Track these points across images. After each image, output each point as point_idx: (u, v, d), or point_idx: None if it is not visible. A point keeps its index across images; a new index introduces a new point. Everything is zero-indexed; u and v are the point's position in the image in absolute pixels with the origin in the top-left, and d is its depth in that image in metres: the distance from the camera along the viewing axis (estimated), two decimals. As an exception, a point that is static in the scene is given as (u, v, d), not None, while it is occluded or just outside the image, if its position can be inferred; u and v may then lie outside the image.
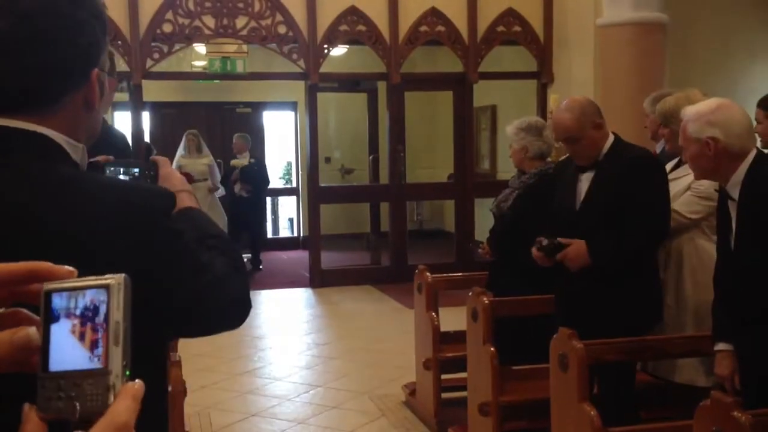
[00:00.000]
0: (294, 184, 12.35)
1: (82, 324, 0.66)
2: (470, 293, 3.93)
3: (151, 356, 1.15)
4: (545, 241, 3.31)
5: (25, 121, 1.14)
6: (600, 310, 3.24)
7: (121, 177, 1.46)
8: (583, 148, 3.29)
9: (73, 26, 1.16)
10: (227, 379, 5.52)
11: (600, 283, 3.24)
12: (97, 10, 1.21)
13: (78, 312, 0.66)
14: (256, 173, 9.71)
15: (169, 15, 7.91)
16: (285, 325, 7.19)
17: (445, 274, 4.99)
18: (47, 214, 1.08)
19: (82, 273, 0.76)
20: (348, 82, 10.77)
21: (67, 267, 0.72)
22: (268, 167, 10.36)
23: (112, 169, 1.45)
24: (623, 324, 3.17)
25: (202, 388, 5.27)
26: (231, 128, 10.90)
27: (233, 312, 1.29)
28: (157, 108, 11.09)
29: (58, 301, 0.67)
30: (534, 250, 3.39)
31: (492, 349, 3.73)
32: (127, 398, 0.66)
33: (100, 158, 1.49)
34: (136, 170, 1.47)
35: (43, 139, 1.14)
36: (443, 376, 4.53)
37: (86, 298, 0.67)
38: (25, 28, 1.13)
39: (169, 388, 2.74)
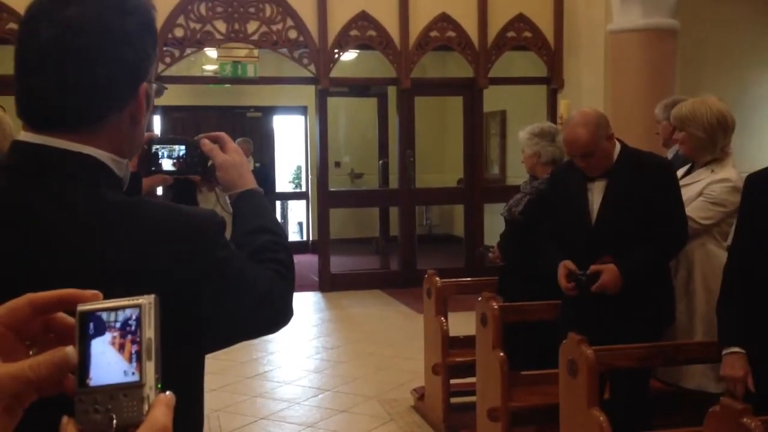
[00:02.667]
0: (304, 189, 12.38)
1: (122, 336, 0.70)
2: (479, 298, 3.93)
3: (192, 370, 1.18)
4: (582, 276, 3.20)
5: (69, 139, 1.10)
6: (611, 315, 3.24)
7: (168, 157, 1.42)
8: (597, 160, 3.26)
9: (121, 40, 1.10)
10: (237, 382, 5.54)
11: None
12: (147, 19, 1.15)
13: (117, 326, 0.70)
14: (261, 178, 9.72)
15: (181, 20, 7.96)
16: (294, 328, 7.19)
17: (454, 279, 4.99)
18: (99, 248, 1.06)
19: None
20: (358, 87, 10.80)
21: (92, 291, 0.74)
22: (275, 172, 10.34)
23: (159, 146, 1.42)
24: (634, 330, 3.17)
25: (212, 391, 5.28)
26: (241, 132, 10.92)
27: (273, 323, 1.31)
28: (168, 112, 11.15)
29: (96, 318, 0.70)
30: (564, 283, 3.30)
31: (501, 354, 3.73)
32: (161, 406, 0.69)
33: (145, 135, 1.44)
34: (183, 147, 1.43)
35: (87, 159, 1.10)
36: (452, 381, 4.53)
37: (121, 317, 0.71)
38: (70, 41, 1.08)
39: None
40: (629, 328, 3.18)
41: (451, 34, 8.51)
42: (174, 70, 8.51)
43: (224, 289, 1.17)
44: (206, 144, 1.44)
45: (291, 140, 12.50)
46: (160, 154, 1.43)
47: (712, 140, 3.29)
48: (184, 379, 1.17)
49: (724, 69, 8.23)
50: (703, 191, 3.30)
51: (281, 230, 1.42)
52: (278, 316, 1.31)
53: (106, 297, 1.00)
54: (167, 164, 1.44)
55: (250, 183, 1.43)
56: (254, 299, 1.24)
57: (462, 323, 4.95)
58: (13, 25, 7.61)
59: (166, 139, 1.45)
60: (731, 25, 8.29)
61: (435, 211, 12.27)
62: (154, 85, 1.23)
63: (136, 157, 1.42)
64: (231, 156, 1.43)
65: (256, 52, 8.25)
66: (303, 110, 11.82)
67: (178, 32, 7.97)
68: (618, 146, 3.34)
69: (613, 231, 3.23)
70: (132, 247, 1.08)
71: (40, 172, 1.09)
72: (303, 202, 12.35)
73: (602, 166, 3.28)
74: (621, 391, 3.00)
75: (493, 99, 9.52)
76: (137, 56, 1.13)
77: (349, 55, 9.36)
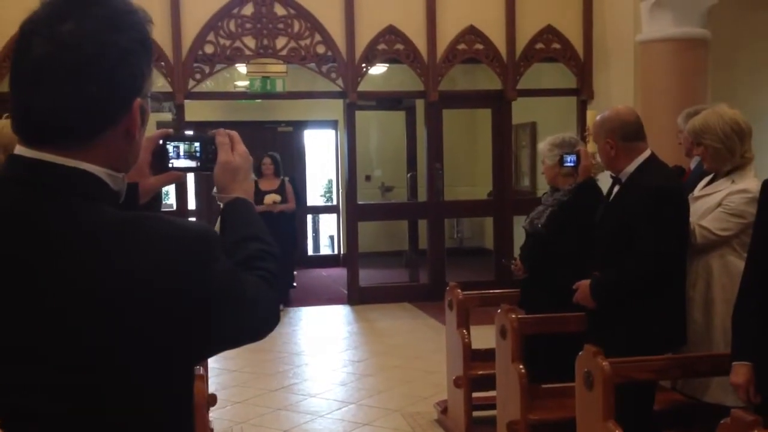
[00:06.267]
0: (335, 202, 12.43)
1: None
2: (499, 310, 3.91)
3: (182, 380, 1.19)
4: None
5: (64, 155, 1.11)
6: (619, 328, 3.21)
7: (182, 155, 1.43)
8: (600, 151, 3.39)
9: (115, 56, 1.11)
10: (262, 394, 5.56)
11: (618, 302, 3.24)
12: (142, 35, 1.16)
13: None
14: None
15: (211, 36, 8.08)
16: (322, 341, 7.22)
17: (476, 291, 4.97)
18: (98, 262, 1.07)
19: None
20: (387, 100, 10.83)
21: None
22: (305, 185, 10.36)
23: (173, 144, 1.43)
24: (641, 343, 3.13)
25: (236, 403, 5.32)
26: (273, 147, 10.98)
27: (260, 332, 1.32)
28: (200, 127, 11.28)
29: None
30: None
31: (520, 367, 3.70)
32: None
33: (158, 132, 1.46)
34: (197, 144, 1.44)
35: (82, 175, 1.12)
36: (475, 394, 4.50)
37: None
38: (64, 58, 1.09)
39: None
40: (635, 341, 3.15)
41: (478, 46, 8.51)
42: (208, 86, 8.65)
43: (220, 303, 1.18)
44: (221, 135, 1.44)
45: (322, 154, 12.58)
46: (173, 151, 1.44)
47: (729, 149, 3.25)
48: (175, 388, 1.19)
49: (758, 80, 8.09)
50: (722, 202, 3.25)
51: (270, 239, 1.43)
52: (265, 324, 1.33)
53: (106, 310, 1.07)
54: (181, 161, 1.45)
55: (242, 191, 1.44)
56: (246, 310, 1.25)
57: (486, 336, 4.91)
58: None
59: (181, 136, 1.45)
60: (765, 33, 8.15)
61: (466, 223, 12.23)
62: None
63: (147, 151, 1.44)
64: (235, 158, 1.44)
65: (284, 67, 8.33)
66: (334, 124, 11.89)
67: (208, 49, 8.09)
68: (642, 157, 3.32)
69: (604, 243, 3.27)
70: (129, 263, 1.09)
71: (38, 187, 1.11)
72: (334, 216, 12.40)
73: (606, 165, 3.43)
74: (624, 405, 2.95)
75: (523, 111, 9.48)
76: (131, 73, 1.14)
77: (379, 69, 9.40)
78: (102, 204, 1.13)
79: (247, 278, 1.28)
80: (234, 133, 1.46)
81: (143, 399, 1.12)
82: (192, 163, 1.44)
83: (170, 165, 1.44)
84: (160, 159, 1.43)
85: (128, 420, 1.12)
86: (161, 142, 1.42)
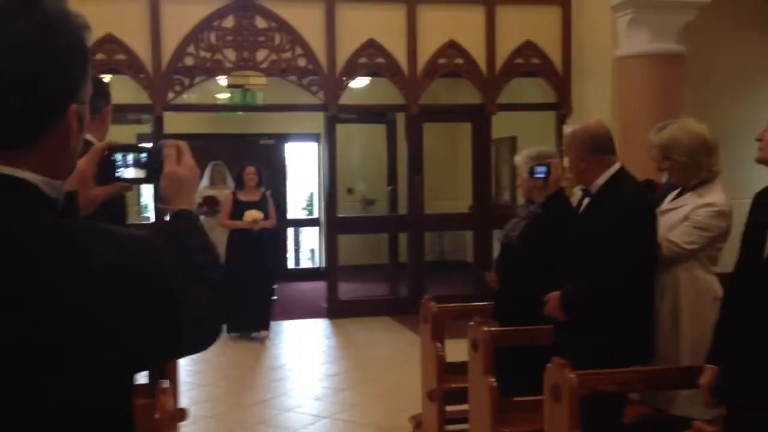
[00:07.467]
0: (316, 215, 12.41)
1: None
2: (471, 323, 3.91)
3: (125, 390, 1.18)
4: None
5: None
6: (588, 341, 3.21)
7: (129, 166, 1.42)
8: (570, 164, 3.39)
9: (49, 61, 1.09)
10: (235, 409, 5.52)
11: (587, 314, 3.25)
12: (76, 39, 1.14)
13: None
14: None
15: (191, 48, 8.07)
16: (299, 355, 7.18)
17: (451, 304, 4.96)
18: (35, 272, 1.06)
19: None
20: (368, 114, 10.84)
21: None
22: (285, 198, 10.14)
23: (119, 155, 1.41)
24: (609, 356, 3.14)
25: (208, 418, 5.28)
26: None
27: (205, 342, 1.32)
28: (181, 139, 11.22)
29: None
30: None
31: (491, 379, 3.69)
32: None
33: (103, 143, 1.44)
34: (144, 154, 1.43)
35: (18, 182, 1.10)
36: (449, 408, 4.48)
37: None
38: None
39: (156, 416, 2.75)
40: (577, 354, 3.15)
41: (459, 61, 8.55)
42: (192, 99, 8.63)
43: (164, 311, 1.17)
44: (168, 146, 1.44)
45: (305, 167, 12.57)
46: (119, 161, 1.42)
47: (696, 163, 3.28)
48: (117, 400, 1.18)
49: (737, 94, 8.15)
50: (689, 215, 3.27)
51: (215, 250, 1.43)
52: (210, 335, 1.32)
53: (37, 316, 1.05)
54: (127, 172, 1.43)
55: (187, 203, 1.44)
56: (192, 320, 1.25)
57: (461, 349, 4.89)
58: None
59: (127, 146, 1.43)
60: (744, 51, 8.24)
61: (447, 237, 12.24)
62: (111, 109, 1.24)
63: (92, 163, 1.43)
64: (181, 169, 1.44)
65: (265, 79, 8.33)
66: (316, 137, 11.89)
67: (188, 61, 8.07)
68: (612, 170, 3.34)
69: (574, 256, 3.27)
70: (63, 270, 1.07)
71: None
72: (315, 229, 12.38)
73: (577, 178, 3.44)
74: (593, 417, 2.95)
75: (503, 125, 9.52)
76: (66, 77, 1.13)
77: (361, 82, 9.41)
78: (38, 212, 1.11)
79: (195, 289, 1.27)
80: (182, 144, 1.46)
81: (82, 413, 1.10)
82: (140, 174, 1.43)
83: (117, 176, 1.42)
84: (106, 170, 1.42)
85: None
86: (107, 153, 1.41)
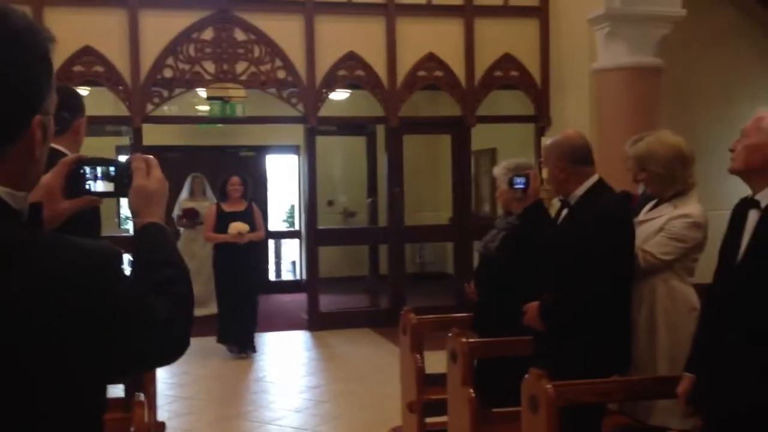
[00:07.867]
0: (297, 227, 12.39)
1: None
2: (449, 334, 3.91)
3: (94, 404, 1.17)
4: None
5: None
6: (566, 351, 3.23)
7: (98, 179, 1.42)
8: (550, 175, 3.41)
9: (12, 74, 1.10)
10: (215, 422, 5.48)
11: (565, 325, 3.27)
12: (40, 50, 1.15)
13: None
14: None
15: (170, 60, 8.05)
16: (280, 368, 7.15)
17: (430, 316, 4.96)
18: None
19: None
20: (348, 126, 10.85)
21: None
22: (263, 211, 10.07)
23: (88, 168, 1.41)
24: (587, 367, 3.15)
25: (189, 431, 5.23)
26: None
27: (172, 355, 1.32)
28: (160, 151, 11.19)
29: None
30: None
31: (470, 390, 3.70)
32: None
33: (71, 157, 1.44)
34: (113, 168, 1.43)
35: None
36: (429, 419, 4.48)
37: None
38: None
39: (132, 429, 2.73)
40: (555, 365, 3.16)
41: (438, 73, 8.59)
42: (172, 111, 8.59)
43: (128, 324, 1.17)
44: (137, 160, 1.44)
45: (285, 179, 12.55)
46: (89, 174, 1.42)
47: (671, 174, 3.32)
48: (87, 412, 1.17)
49: (716, 107, 8.24)
50: (664, 226, 3.30)
51: (183, 264, 1.43)
52: (177, 347, 1.32)
53: (7, 329, 1.04)
54: (96, 185, 1.43)
55: (156, 216, 1.44)
56: (157, 332, 1.25)
57: (441, 360, 4.89)
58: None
59: (96, 160, 1.43)
60: (718, 63, 8.34)
61: (428, 248, 12.25)
62: (85, 120, 1.24)
63: (60, 176, 1.43)
64: (149, 183, 1.44)
65: (244, 92, 8.32)
66: (296, 149, 11.89)
67: (167, 73, 8.05)
68: (591, 181, 3.36)
69: (553, 266, 3.29)
70: (24, 282, 1.07)
71: None
72: (296, 241, 12.35)
73: (556, 189, 3.49)
74: (572, 428, 2.96)
75: (483, 137, 9.57)
76: (31, 90, 1.13)
77: (341, 95, 9.43)
78: (0, 223, 1.11)
79: (159, 301, 1.28)
80: (150, 158, 1.46)
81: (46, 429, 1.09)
82: (109, 188, 1.43)
83: (86, 189, 1.42)
84: (75, 183, 1.41)
85: None
86: (75, 166, 1.40)
